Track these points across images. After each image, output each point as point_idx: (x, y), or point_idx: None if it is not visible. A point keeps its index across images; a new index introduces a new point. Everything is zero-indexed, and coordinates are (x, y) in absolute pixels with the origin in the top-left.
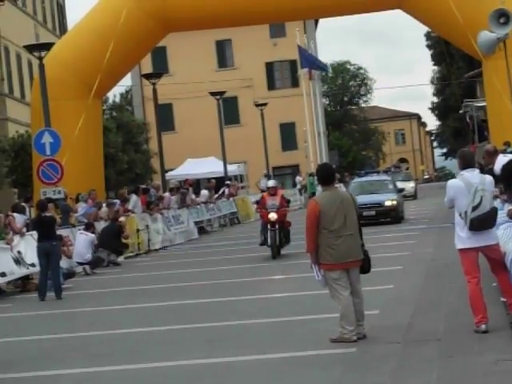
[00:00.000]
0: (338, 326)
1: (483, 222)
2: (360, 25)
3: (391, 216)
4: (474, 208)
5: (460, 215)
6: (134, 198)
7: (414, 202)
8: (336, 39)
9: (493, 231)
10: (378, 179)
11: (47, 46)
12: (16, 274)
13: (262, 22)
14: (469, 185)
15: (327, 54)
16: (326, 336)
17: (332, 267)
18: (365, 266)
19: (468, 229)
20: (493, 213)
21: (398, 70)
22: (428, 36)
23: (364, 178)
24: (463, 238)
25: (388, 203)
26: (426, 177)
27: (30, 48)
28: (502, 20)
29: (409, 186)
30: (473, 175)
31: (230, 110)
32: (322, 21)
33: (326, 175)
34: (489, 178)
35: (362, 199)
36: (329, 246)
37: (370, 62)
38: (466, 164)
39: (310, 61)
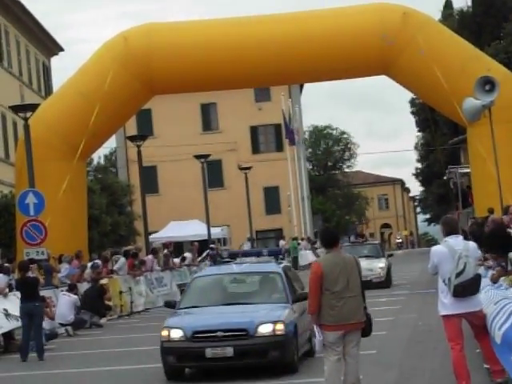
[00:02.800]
0: None
1: (467, 289)
2: (350, 89)
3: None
4: (458, 274)
5: (444, 281)
6: (122, 260)
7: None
8: (325, 103)
9: (476, 297)
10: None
11: (32, 107)
12: (5, 327)
13: (247, 86)
14: (452, 251)
15: (315, 118)
16: None
17: (332, 329)
18: (366, 329)
19: (452, 295)
20: (476, 279)
21: (385, 135)
22: (412, 103)
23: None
24: (446, 304)
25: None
26: (399, 240)
27: (16, 108)
28: (487, 87)
29: (377, 266)
30: (457, 242)
31: (214, 173)
32: (310, 85)
33: (329, 238)
34: (472, 245)
35: None
36: (330, 308)
37: (358, 127)
38: (450, 230)
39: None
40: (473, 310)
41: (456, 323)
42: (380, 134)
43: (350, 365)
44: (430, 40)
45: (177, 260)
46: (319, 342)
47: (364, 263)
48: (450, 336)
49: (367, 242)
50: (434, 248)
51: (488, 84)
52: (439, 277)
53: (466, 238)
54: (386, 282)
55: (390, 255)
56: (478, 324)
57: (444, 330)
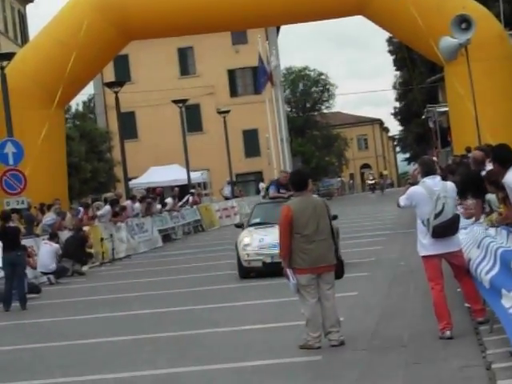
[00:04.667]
0: (304, 333)
1: (446, 229)
2: (331, 29)
3: None
4: (437, 215)
5: (422, 222)
6: (106, 207)
7: None
8: (304, 45)
9: (455, 238)
10: None
11: (9, 56)
12: None
13: (224, 29)
14: (431, 192)
15: (295, 60)
16: (291, 344)
17: (304, 272)
18: (338, 271)
19: (431, 236)
20: (455, 219)
21: (366, 75)
22: (390, 41)
23: None
24: (426, 244)
25: None
26: (371, 182)
27: None
28: (463, 25)
29: None
30: (434, 182)
31: (192, 118)
32: (289, 27)
33: (298, 181)
34: (450, 185)
35: None
36: (301, 251)
37: (339, 68)
38: (428, 171)
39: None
40: (452, 250)
41: (436, 263)
42: (361, 73)
43: (328, 308)
44: None
45: (159, 207)
46: (293, 285)
47: None
48: (430, 276)
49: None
50: (412, 189)
51: (464, 22)
52: (418, 218)
53: (444, 178)
54: None
55: None
56: (458, 264)
57: (424, 271)
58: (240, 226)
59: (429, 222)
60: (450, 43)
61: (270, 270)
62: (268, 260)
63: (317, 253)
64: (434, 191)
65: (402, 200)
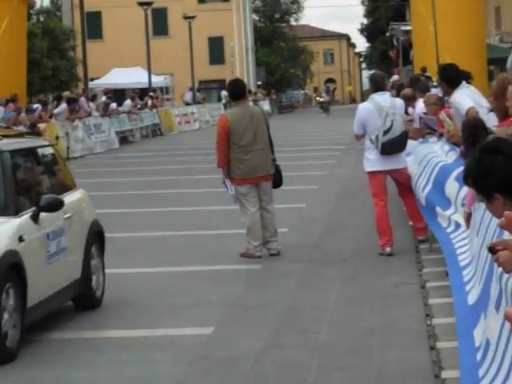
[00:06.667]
0: (245, 242)
1: (394, 146)
2: None
3: None
4: (385, 132)
5: (370, 140)
6: (63, 105)
7: None
8: None
9: (401, 155)
10: None
11: None
12: None
13: None
14: (379, 108)
15: None
16: (233, 251)
17: (242, 182)
18: (276, 181)
19: (379, 152)
20: (403, 137)
21: None
22: None
23: None
24: (372, 160)
25: None
26: (321, 99)
27: None
28: None
29: None
30: (383, 98)
31: (158, 21)
32: None
33: (236, 90)
34: (399, 101)
35: None
36: (238, 161)
37: None
38: (377, 87)
39: None
40: (398, 167)
41: (381, 179)
42: None
43: (267, 218)
44: None
45: (115, 105)
46: (232, 195)
47: None
48: (375, 192)
49: None
50: (361, 105)
51: None
52: (366, 134)
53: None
54: None
55: None
56: (402, 181)
57: (369, 186)
58: None
59: (377, 138)
60: None
61: None
62: None
63: (254, 162)
64: (382, 107)
65: (354, 125)
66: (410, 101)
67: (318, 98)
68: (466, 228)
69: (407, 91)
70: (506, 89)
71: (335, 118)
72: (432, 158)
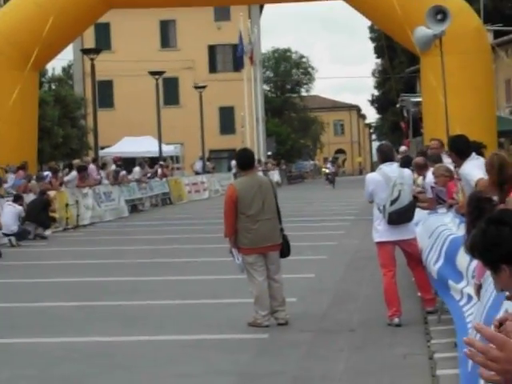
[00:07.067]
0: (253, 311)
1: (401, 216)
2: (318, 12)
3: None
4: (393, 202)
5: (379, 209)
6: (73, 173)
7: None
8: (292, 25)
9: (410, 225)
10: None
11: None
12: None
13: (206, 4)
14: (387, 179)
15: (280, 41)
16: (240, 320)
17: (249, 251)
18: (284, 251)
19: (387, 222)
20: (411, 207)
21: (350, 61)
22: (371, 28)
23: None
24: (380, 230)
25: None
26: (326, 170)
27: None
28: (439, 17)
29: None
30: (391, 169)
31: (170, 91)
32: (277, 8)
33: (245, 160)
34: (407, 172)
35: None
36: (246, 231)
37: (324, 51)
38: (385, 158)
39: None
40: (406, 237)
41: (389, 250)
42: (344, 59)
43: (275, 288)
44: None
45: (125, 173)
46: (239, 265)
47: None
48: (383, 262)
49: None
50: (369, 175)
51: (440, 13)
52: (374, 204)
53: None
54: None
55: None
56: (411, 252)
57: (377, 257)
58: None
59: (385, 208)
60: (425, 33)
61: None
62: None
63: (262, 232)
64: (390, 177)
65: (365, 194)
66: (421, 170)
67: (323, 169)
68: (477, 299)
69: (419, 160)
70: (493, 165)
71: (341, 189)
72: (443, 231)
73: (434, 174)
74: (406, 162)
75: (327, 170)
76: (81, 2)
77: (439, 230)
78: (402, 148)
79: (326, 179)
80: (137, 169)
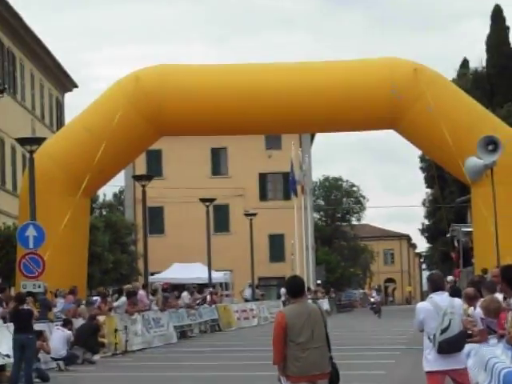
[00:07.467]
0: None
1: (452, 345)
2: (371, 141)
3: None
4: (443, 331)
5: (429, 338)
6: (122, 298)
7: None
8: (344, 154)
9: (461, 355)
10: None
11: (38, 141)
12: None
13: (256, 132)
14: (438, 308)
15: (333, 169)
16: None
17: (297, 380)
18: (333, 379)
19: (437, 352)
20: (462, 336)
21: (401, 190)
22: (422, 158)
23: None
24: (430, 360)
25: None
26: (372, 299)
27: (22, 141)
28: (490, 147)
29: None
30: (442, 298)
31: (220, 218)
32: (329, 136)
33: (295, 287)
34: (458, 301)
35: None
36: (295, 359)
37: (375, 180)
38: (436, 287)
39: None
40: (457, 367)
41: (439, 380)
42: (395, 188)
43: None
44: (438, 97)
45: (174, 294)
46: None
47: None
48: None
49: None
50: (419, 305)
51: (491, 144)
52: (424, 333)
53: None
54: None
55: None
56: (461, 382)
57: None
58: None
59: (435, 337)
60: (476, 164)
61: None
62: None
63: (311, 361)
64: (440, 307)
65: (415, 323)
66: (471, 300)
67: (370, 298)
68: None
69: (469, 291)
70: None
71: (389, 318)
72: (495, 365)
73: (480, 306)
74: (453, 292)
75: (372, 299)
76: (132, 130)
77: (491, 362)
78: (449, 278)
79: (370, 309)
80: (185, 293)
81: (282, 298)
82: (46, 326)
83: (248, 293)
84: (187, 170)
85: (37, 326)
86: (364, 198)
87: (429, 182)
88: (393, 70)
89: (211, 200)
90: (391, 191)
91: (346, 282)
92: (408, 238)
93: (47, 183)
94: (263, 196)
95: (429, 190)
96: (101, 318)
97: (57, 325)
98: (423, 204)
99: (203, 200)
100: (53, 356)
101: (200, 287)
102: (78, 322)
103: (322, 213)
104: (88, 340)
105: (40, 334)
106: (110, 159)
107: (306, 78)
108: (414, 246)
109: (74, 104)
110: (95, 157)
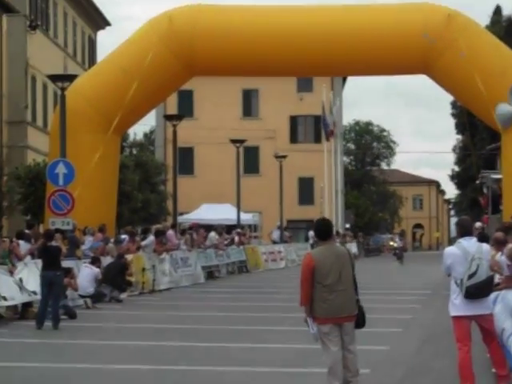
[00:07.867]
0: (326, 381)
1: (479, 291)
2: (405, 86)
3: None
4: (470, 276)
5: (456, 283)
6: (150, 237)
7: None
8: (376, 98)
9: (487, 300)
10: None
11: (70, 78)
12: (16, 300)
13: (289, 74)
14: (466, 253)
15: (364, 113)
16: None
17: (324, 321)
18: (359, 322)
19: (463, 297)
20: (489, 281)
21: (432, 136)
22: (453, 104)
23: None
24: (457, 305)
25: None
26: (394, 244)
27: (54, 78)
28: None
29: None
30: (470, 243)
31: (250, 159)
32: (362, 80)
33: (323, 230)
34: (486, 247)
35: None
36: (322, 301)
37: (406, 125)
38: (464, 232)
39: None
40: (483, 312)
41: (465, 324)
42: (426, 133)
43: (349, 358)
44: (471, 43)
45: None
46: (313, 334)
47: None
48: (458, 337)
49: None
50: (447, 249)
51: None
52: (452, 278)
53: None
54: None
55: None
56: (487, 327)
57: (453, 331)
58: None
59: (462, 282)
60: (507, 110)
61: None
62: None
63: (338, 303)
64: (468, 252)
65: (442, 268)
66: (500, 245)
67: (391, 243)
68: None
69: (499, 235)
70: None
71: (412, 264)
72: None
73: (505, 253)
74: (481, 238)
75: (395, 245)
76: (164, 69)
77: None
78: (478, 224)
79: (393, 254)
80: (212, 234)
81: (310, 241)
82: (74, 264)
83: (276, 235)
84: (218, 111)
85: (65, 263)
86: (394, 142)
87: (460, 128)
88: (426, 14)
89: (242, 141)
90: (421, 137)
91: (374, 226)
92: (437, 184)
93: (78, 121)
94: (293, 139)
95: (459, 137)
96: (129, 257)
97: (85, 262)
98: (453, 150)
99: (234, 141)
100: (80, 293)
101: (228, 228)
102: (106, 260)
103: (351, 157)
104: (115, 278)
105: (68, 271)
106: (141, 98)
107: (340, 20)
108: (442, 193)
109: (107, 42)
110: (127, 95)
